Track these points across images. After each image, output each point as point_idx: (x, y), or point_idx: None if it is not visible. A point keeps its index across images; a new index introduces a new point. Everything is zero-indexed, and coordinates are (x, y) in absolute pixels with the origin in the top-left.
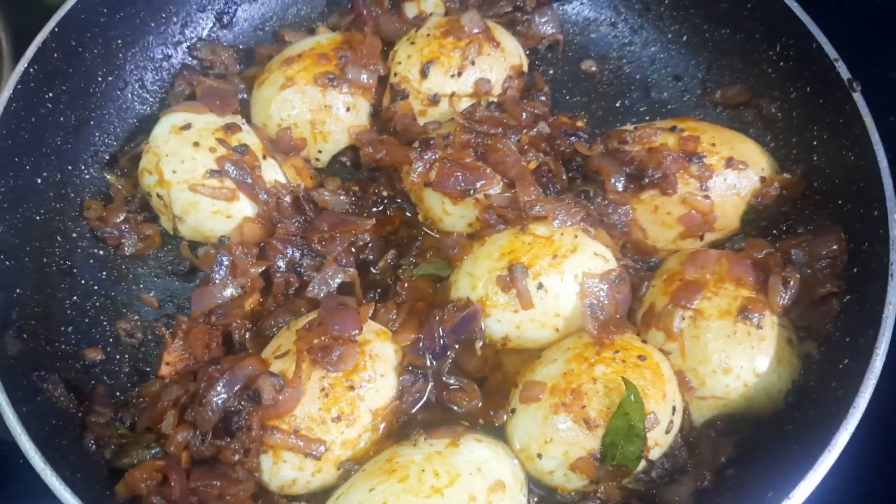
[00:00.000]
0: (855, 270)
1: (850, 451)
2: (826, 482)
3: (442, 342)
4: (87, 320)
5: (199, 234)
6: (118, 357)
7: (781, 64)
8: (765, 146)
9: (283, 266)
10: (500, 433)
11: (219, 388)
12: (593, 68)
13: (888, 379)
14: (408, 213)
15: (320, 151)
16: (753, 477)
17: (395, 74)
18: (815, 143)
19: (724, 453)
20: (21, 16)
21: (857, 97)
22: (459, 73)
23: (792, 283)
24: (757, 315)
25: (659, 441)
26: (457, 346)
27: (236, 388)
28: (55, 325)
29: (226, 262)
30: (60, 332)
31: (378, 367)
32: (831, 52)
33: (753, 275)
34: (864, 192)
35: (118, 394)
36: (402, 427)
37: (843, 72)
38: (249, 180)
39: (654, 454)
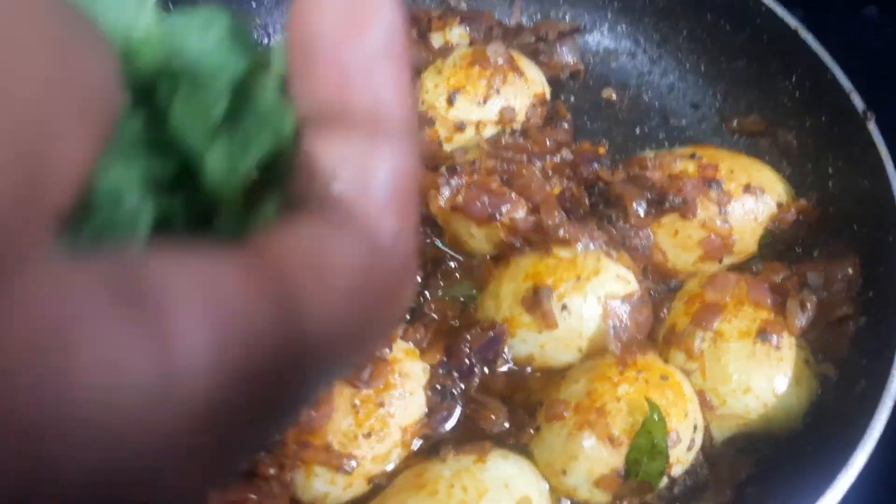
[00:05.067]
0: (871, 294)
1: (868, 473)
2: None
3: (469, 362)
4: None
5: None
6: None
7: (797, 94)
8: (781, 173)
9: None
10: (525, 450)
11: None
12: (613, 96)
13: None
14: (434, 237)
15: None
16: (772, 495)
17: (422, 102)
18: (829, 170)
19: (744, 471)
20: None
21: (872, 127)
22: (485, 102)
23: (809, 305)
24: (775, 336)
25: (681, 458)
26: (484, 366)
27: None
28: None
29: None
30: None
31: (407, 385)
32: (846, 84)
33: (771, 297)
34: (879, 218)
35: None
36: (430, 443)
37: (858, 102)
38: None
39: (676, 471)
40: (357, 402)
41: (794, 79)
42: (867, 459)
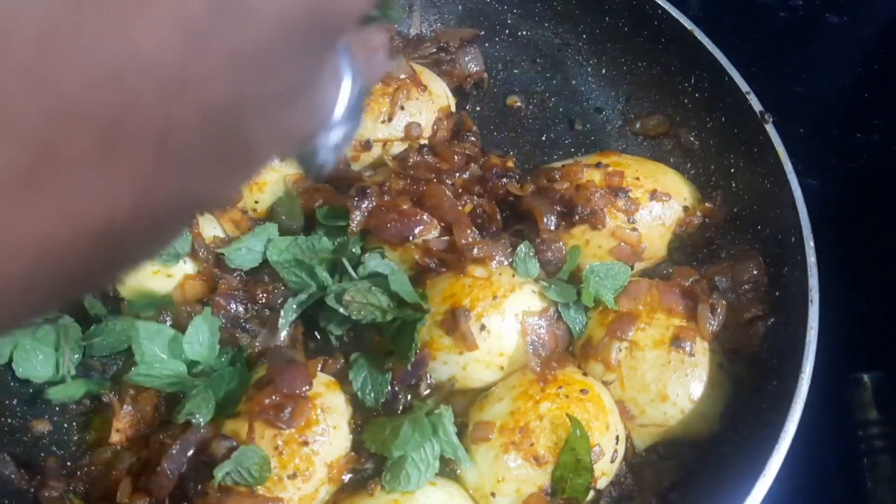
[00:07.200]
0: (777, 294)
1: (785, 468)
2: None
3: (392, 389)
4: (31, 390)
5: (139, 295)
6: (66, 426)
7: (697, 95)
8: (685, 174)
9: (228, 323)
10: (454, 473)
11: (172, 455)
12: (518, 103)
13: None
14: None
15: (257, 202)
16: (696, 499)
17: None
18: (732, 170)
19: (667, 478)
20: None
21: (770, 129)
22: (390, 119)
23: (719, 310)
24: (689, 343)
25: (605, 471)
26: (407, 393)
27: (190, 454)
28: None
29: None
30: (5, 405)
31: (330, 420)
32: (743, 86)
33: (683, 303)
34: (781, 219)
35: (69, 463)
36: (359, 477)
37: (756, 104)
38: (188, 237)
39: (602, 483)
40: (279, 442)
41: (693, 80)
42: (784, 457)
